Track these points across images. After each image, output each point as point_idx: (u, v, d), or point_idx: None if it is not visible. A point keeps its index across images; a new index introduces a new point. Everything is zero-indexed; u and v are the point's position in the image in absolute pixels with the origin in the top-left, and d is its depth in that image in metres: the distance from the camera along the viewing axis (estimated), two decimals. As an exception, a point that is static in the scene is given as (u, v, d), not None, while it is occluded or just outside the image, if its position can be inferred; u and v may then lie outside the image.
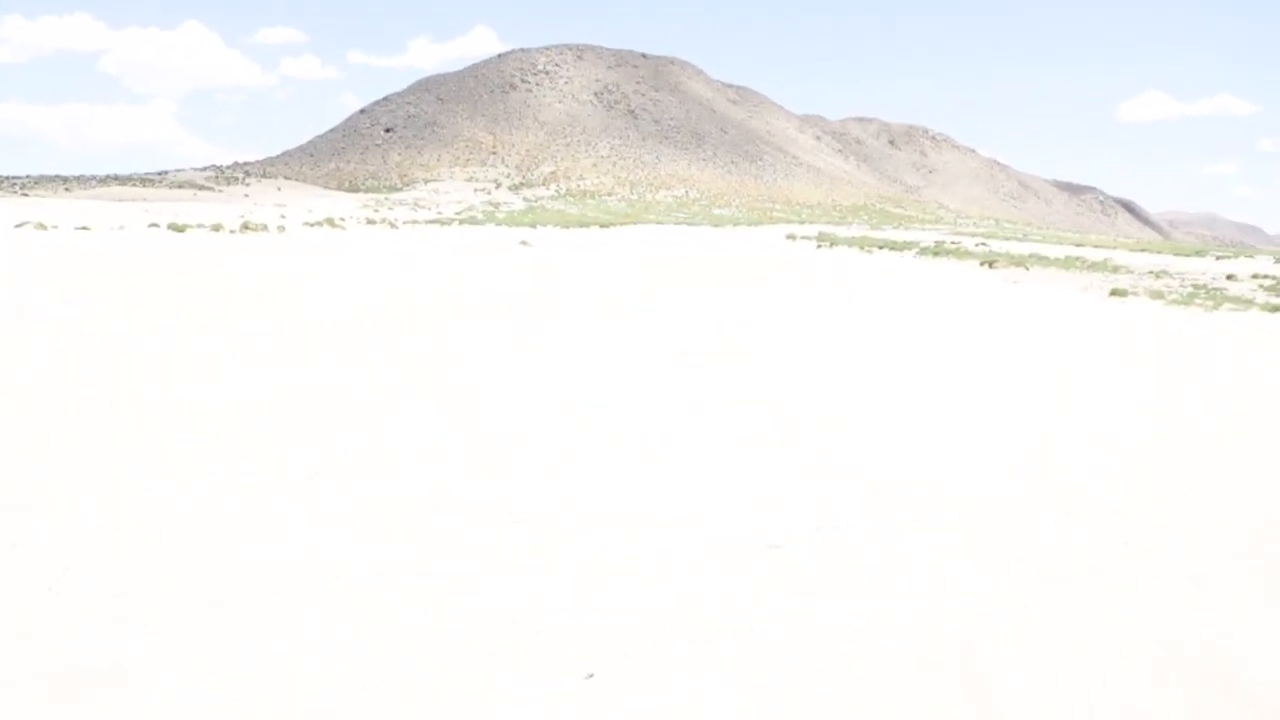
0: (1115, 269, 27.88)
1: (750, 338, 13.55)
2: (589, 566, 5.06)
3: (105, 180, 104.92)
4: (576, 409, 8.69)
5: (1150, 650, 4.23)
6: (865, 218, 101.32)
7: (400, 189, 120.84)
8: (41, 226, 30.36)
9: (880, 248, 39.66)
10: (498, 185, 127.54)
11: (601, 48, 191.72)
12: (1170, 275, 25.63)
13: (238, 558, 5.06)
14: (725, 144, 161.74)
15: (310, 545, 5.26)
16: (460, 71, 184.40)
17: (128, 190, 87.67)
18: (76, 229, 30.24)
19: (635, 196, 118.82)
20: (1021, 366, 11.65)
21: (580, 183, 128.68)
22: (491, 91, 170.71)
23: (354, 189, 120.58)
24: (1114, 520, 5.91)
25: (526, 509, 5.92)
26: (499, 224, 56.58)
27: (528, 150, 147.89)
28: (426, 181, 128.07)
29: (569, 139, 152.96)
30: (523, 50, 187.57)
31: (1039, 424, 8.52)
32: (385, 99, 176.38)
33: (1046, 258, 32.42)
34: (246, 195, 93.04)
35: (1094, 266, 28.71)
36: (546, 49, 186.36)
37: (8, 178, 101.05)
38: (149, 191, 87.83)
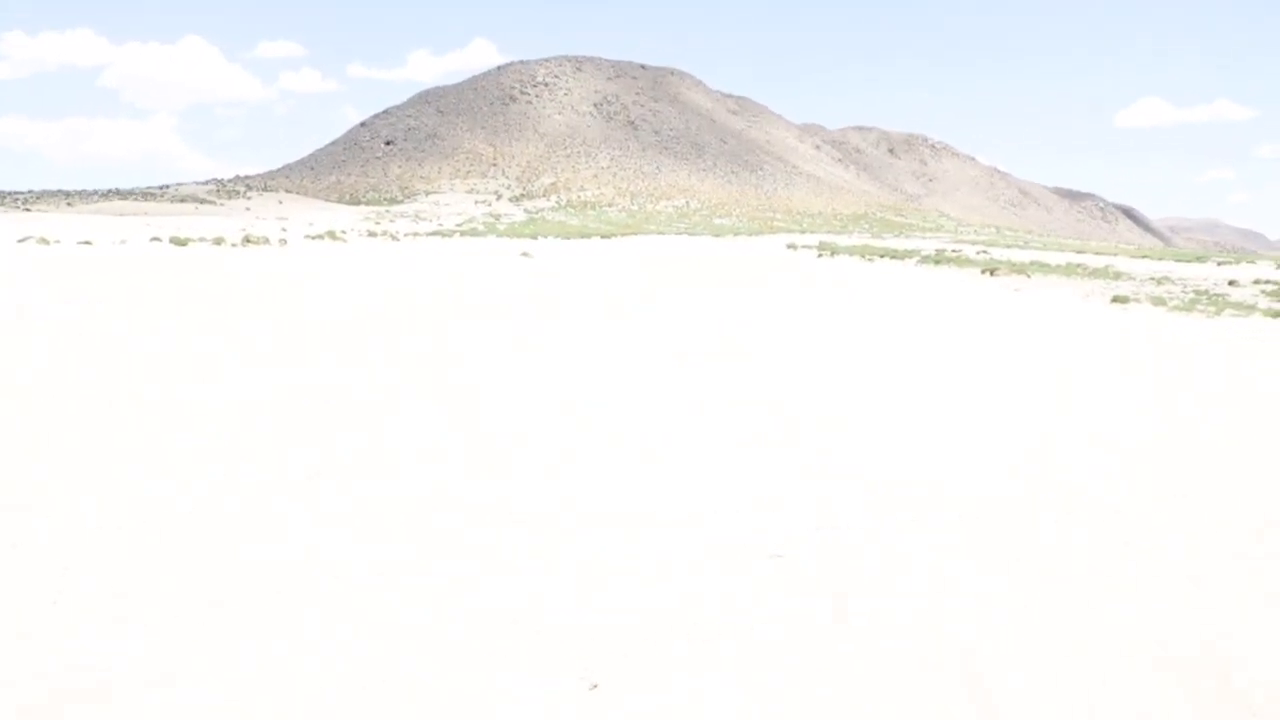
0: (1116, 275, 27.90)
1: (750, 338, 13.56)
2: (589, 566, 5.05)
3: (107, 195, 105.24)
4: (576, 409, 8.69)
5: (1150, 650, 4.22)
6: (866, 226, 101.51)
7: (401, 201, 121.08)
8: (44, 241, 30.46)
9: (881, 256, 39.71)
10: (498, 197, 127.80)
11: (600, 59, 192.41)
12: (1172, 281, 25.64)
13: (237, 558, 5.06)
14: (725, 154, 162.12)
15: (310, 545, 5.26)
16: (460, 84, 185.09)
17: (129, 205, 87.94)
18: (79, 243, 30.32)
19: (636, 207, 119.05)
20: (1022, 369, 11.65)
21: (581, 194, 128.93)
22: (491, 103, 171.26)
23: (355, 202, 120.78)
24: (1114, 520, 5.90)
25: (526, 509, 5.92)
26: (500, 235, 56.71)
27: (528, 162, 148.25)
28: (427, 194, 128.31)
29: (569, 150, 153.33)
30: (522, 62, 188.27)
31: (1039, 424, 8.52)
32: (385, 112, 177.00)
33: (1048, 265, 32.44)
34: (248, 209, 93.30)
35: (1095, 273, 28.73)
36: (546, 61, 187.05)
37: (10, 193, 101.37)
38: (150, 206, 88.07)
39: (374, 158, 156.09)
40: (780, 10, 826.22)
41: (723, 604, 4.62)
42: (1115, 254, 47.16)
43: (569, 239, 56.17)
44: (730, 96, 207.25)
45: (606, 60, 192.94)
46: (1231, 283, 24.73)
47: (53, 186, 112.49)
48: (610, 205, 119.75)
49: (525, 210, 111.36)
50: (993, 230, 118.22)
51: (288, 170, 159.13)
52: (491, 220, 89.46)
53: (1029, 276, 28.01)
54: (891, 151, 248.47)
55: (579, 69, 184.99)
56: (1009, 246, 55.30)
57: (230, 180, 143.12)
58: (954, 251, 42.30)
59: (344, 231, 51.15)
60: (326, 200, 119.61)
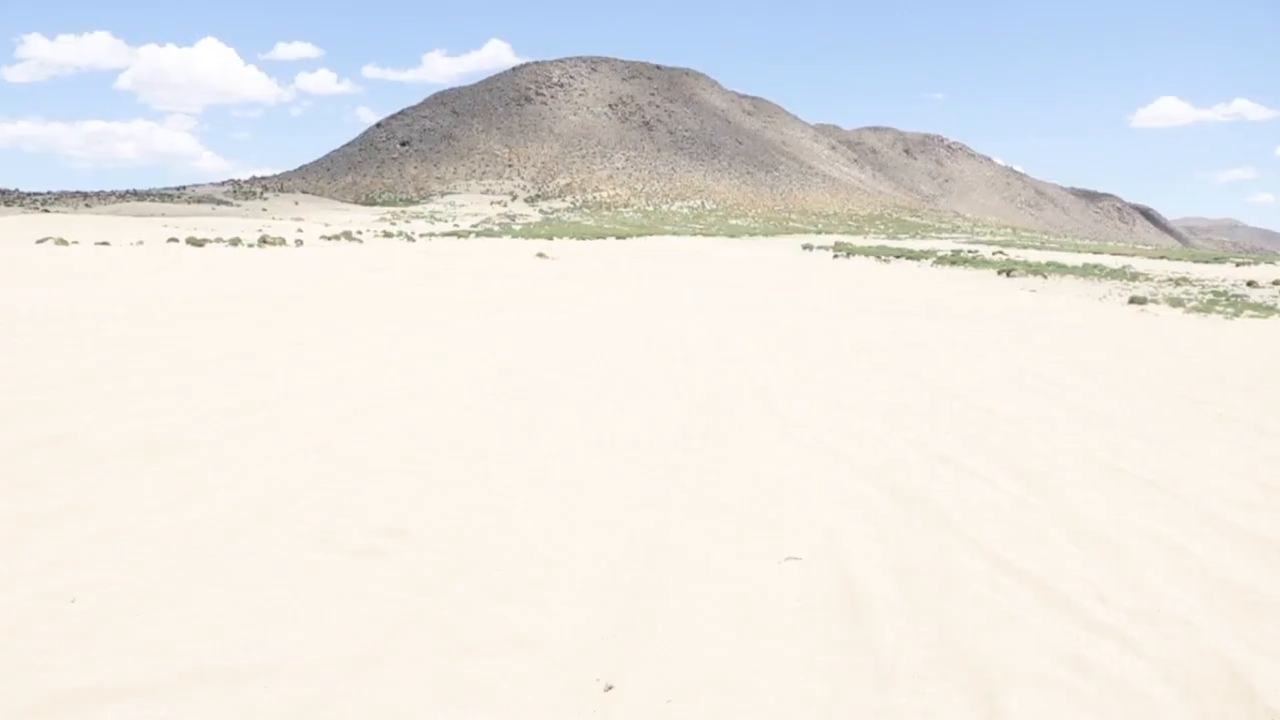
0: (1134, 276, 27.69)
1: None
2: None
3: (125, 195, 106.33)
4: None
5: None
6: (882, 227, 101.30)
7: (417, 202, 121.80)
8: (62, 241, 30.74)
9: (897, 256, 39.59)
10: (514, 197, 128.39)
11: (616, 60, 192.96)
12: (1190, 282, 25.40)
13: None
14: (740, 154, 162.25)
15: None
16: (475, 85, 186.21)
17: (146, 205, 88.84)
18: (97, 244, 30.58)
19: (651, 208, 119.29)
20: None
21: (596, 194, 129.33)
22: (506, 104, 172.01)
23: (370, 202, 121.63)
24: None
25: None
26: (515, 236, 56.87)
27: (543, 162, 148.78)
28: (443, 194, 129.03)
29: (584, 151, 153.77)
30: (537, 63, 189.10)
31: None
32: (401, 113, 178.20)
33: (1064, 265, 32.26)
34: (264, 209, 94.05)
35: (1112, 274, 28.53)
36: (561, 61, 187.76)
37: (29, 194, 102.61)
38: (168, 206, 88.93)
39: (389, 158, 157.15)
40: (796, 10, 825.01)
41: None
42: (1133, 255, 46.88)
43: (585, 239, 56.31)
44: (745, 97, 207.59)
45: (621, 61, 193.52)
46: (1250, 284, 24.50)
47: (71, 188, 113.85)
48: (626, 206, 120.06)
49: (541, 211, 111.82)
50: (1009, 231, 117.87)
51: (304, 171, 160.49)
52: (507, 220, 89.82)
53: (1045, 277, 27.84)
54: (907, 152, 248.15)
55: (594, 69, 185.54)
56: (1025, 247, 55.08)
57: (247, 181, 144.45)
58: (970, 252, 42.13)
59: (360, 232, 51.40)
60: (343, 201, 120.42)
